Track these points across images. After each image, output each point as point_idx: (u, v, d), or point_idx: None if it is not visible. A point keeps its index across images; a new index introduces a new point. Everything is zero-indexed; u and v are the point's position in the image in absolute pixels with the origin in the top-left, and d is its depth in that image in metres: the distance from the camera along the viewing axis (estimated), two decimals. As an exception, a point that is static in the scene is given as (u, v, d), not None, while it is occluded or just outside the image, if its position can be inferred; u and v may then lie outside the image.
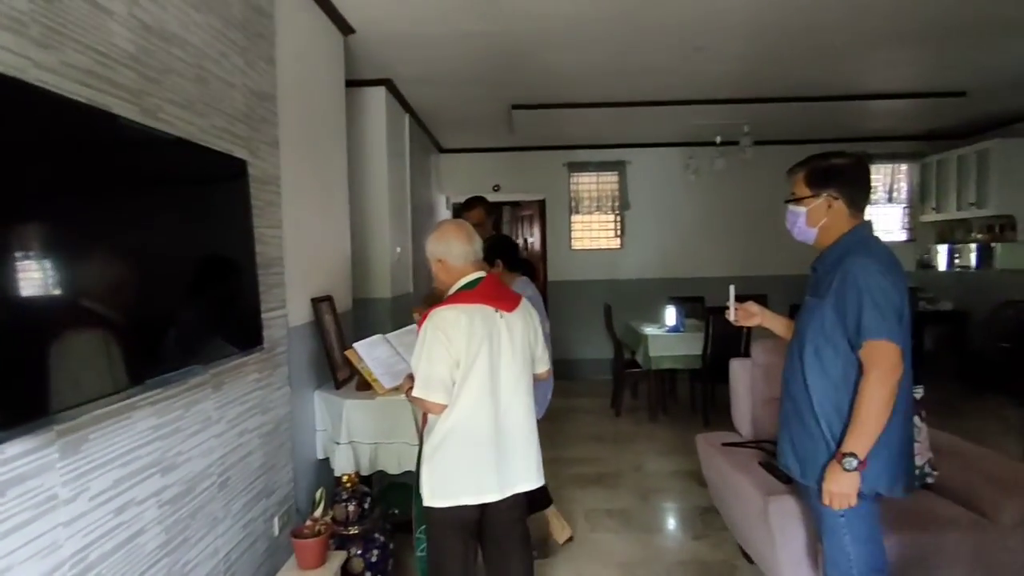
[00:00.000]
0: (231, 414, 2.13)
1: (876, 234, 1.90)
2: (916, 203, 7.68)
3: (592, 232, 7.90)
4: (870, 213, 1.96)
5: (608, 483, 4.13)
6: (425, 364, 2.02)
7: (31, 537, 1.26)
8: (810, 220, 1.91)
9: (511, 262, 3.10)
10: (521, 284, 3.05)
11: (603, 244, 7.88)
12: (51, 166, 1.21)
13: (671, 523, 3.65)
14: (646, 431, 5.43)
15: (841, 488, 1.75)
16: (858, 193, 1.88)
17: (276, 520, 2.47)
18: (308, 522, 2.12)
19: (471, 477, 2.08)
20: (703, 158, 6.77)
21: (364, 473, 2.85)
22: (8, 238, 1.10)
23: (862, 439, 1.72)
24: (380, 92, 4.70)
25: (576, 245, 7.83)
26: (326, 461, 3.03)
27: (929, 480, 2.62)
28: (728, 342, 5.13)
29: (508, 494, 2.15)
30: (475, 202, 3.78)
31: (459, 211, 7.61)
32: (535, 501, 3.12)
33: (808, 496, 1.95)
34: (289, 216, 2.68)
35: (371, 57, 4.13)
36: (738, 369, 3.19)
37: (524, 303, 2.25)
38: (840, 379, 1.80)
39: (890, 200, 7.72)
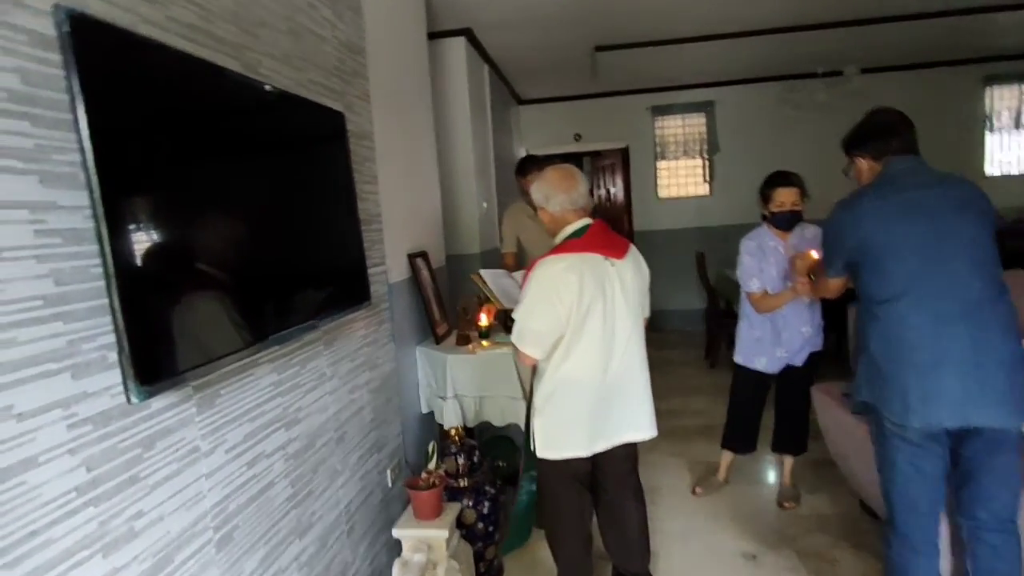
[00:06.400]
0: (342, 370, 2.15)
1: None
2: (1050, 127, 6.86)
3: (679, 179, 7.56)
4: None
5: (711, 435, 3.98)
6: (523, 315, 1.98)
7: (178, 488, 1.31)
8: None
9: None
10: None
11: (691, 191, 7.53)
12: (166, 125, 1.19)
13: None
14: (745, 382, 5.22)
15: None
16: None
17: (388, 473, 2.53)
18: (423, 474, 2.14)
19: (582, 430, 2.03)
20: (803, 91, 6.27)
21: (469, 425, 2.87)
22: (138, 201, 1.10)
23: None
24: (460, 43, 4.58)
25: (663, 193, 7.52)
26: (430, 415, 3.07)
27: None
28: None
29: (617, 442, 2.10)
30: (530, 164, 3.46)
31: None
32: (798, 443, 3.13)
33: None
34: (384, 172, 2.65)
35: (450, 4, 4.01)
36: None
37: (633, 250, 2.15)
38: None
39: (1017, 126, 6.91)
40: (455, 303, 3.59)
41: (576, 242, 2.01)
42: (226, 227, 1.32)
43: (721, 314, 5.78)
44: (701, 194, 7.48)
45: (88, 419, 1.09)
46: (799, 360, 2.96)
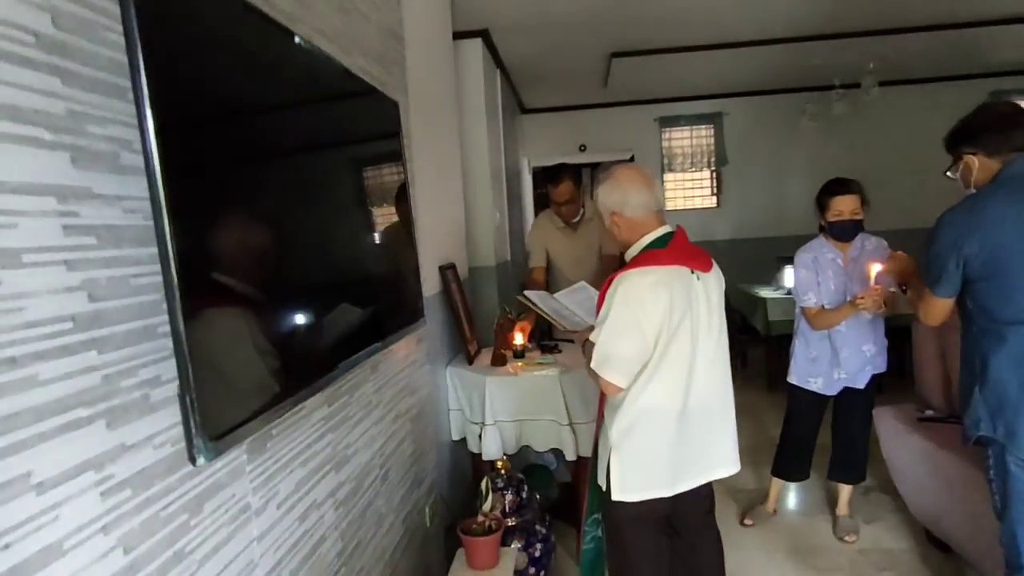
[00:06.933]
0: (387, 397, 1.88)
1: None
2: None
3: (686, 191, 7.39)
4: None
5: (745, 459, 3.75)
6: (608, 337, 1.71)
7: (229, 559, 1.02)
8: None
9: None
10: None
11: (698, 203, 7.37)
12: (238, 97, 0.93)
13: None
14: (767, 401, 5.01)
15: None
16: None
17: (427, 511, 2.24)
18: (479, 517, 1.87)
19: (664, 466, 1.78)
20: (821, 103, 6.12)
21: (509, 452, 2.60)
22: (209, 193, 0.83)
23: None
24: (476, 45, 4.36)
25: (669, 205, 7.33)
26: (461, 443, 2.80)
27: None
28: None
29: (703, 480, 1.86)
30: (563, 173, 3.19)
31: (539, 180, 7.33)
32: (858, 471, 2.88)
33: None
34: (419, 173, 2.40)
35: (469, 2, 3.79)
36: (924, 332, 2.76)
37: (714, 261, 1.91)
38: None
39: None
40: (478, 320, 3.34)
41: (660, 253, 1.76)
42: (298, 234, 1.05)
43: (736, 330, 5.59)
44: (708, 207, 7.32)
45: (126, 482, 0.81)
46: (860, 382, 2.73)
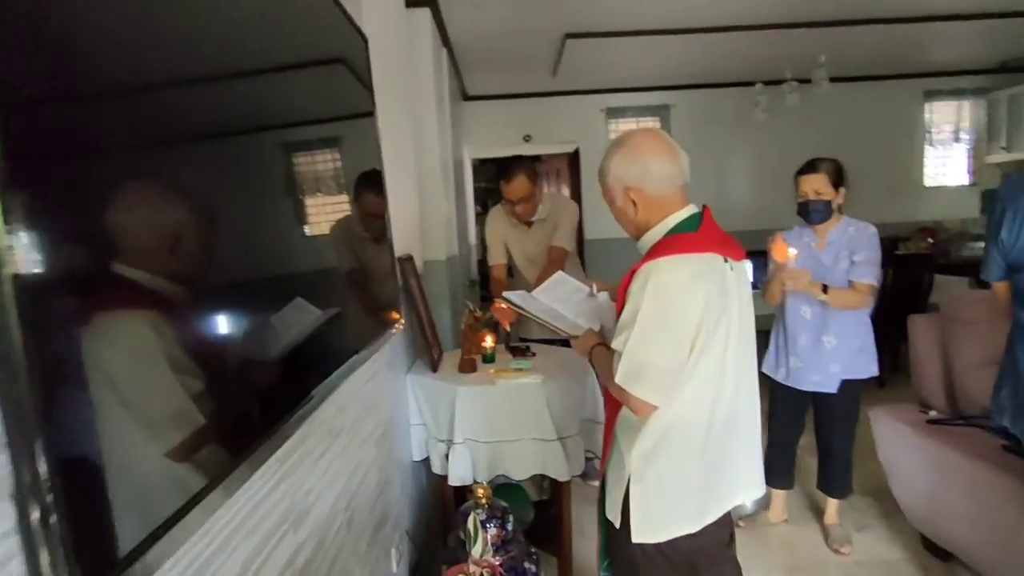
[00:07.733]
0: (350, 419, 1.48)
1: None
2: (981, 142, 7.05)
3: (633, 185, 7.23)
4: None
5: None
6: (638, 343, 1.36)
7: None
8: None
9: None
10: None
11: (644, 197, 7.21)
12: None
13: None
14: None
15: None
16: None
17: (393, 553, 1.85)
18: (470, 566, 1.50)
19: (693, 496, 1.47)
20: (770, 96, 6.04)
21: (480, 480, 2.23)
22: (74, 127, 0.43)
23: None
24: (424, 16, 3.94)
25: (615, 200, 7.14)
26: (423, 464, 2.41)
27: None
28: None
29: (728, 507, 1.56)
30: (516, 168, 2.86)
31: (479, 172, 6.97)
32: (839, 485, 2.68)
33: None
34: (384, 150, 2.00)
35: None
36: (922, 328, 2.59)
37: None
38: None
39: (956, 140, 7.09)
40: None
41: (692, 237, 1.43)
42: (241, 201, 0.66)
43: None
44: (655, 201, 7.18)
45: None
46: (829, 385, 2.51)
